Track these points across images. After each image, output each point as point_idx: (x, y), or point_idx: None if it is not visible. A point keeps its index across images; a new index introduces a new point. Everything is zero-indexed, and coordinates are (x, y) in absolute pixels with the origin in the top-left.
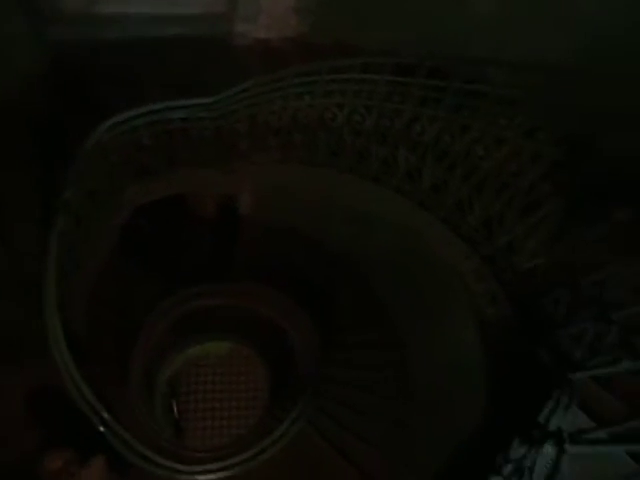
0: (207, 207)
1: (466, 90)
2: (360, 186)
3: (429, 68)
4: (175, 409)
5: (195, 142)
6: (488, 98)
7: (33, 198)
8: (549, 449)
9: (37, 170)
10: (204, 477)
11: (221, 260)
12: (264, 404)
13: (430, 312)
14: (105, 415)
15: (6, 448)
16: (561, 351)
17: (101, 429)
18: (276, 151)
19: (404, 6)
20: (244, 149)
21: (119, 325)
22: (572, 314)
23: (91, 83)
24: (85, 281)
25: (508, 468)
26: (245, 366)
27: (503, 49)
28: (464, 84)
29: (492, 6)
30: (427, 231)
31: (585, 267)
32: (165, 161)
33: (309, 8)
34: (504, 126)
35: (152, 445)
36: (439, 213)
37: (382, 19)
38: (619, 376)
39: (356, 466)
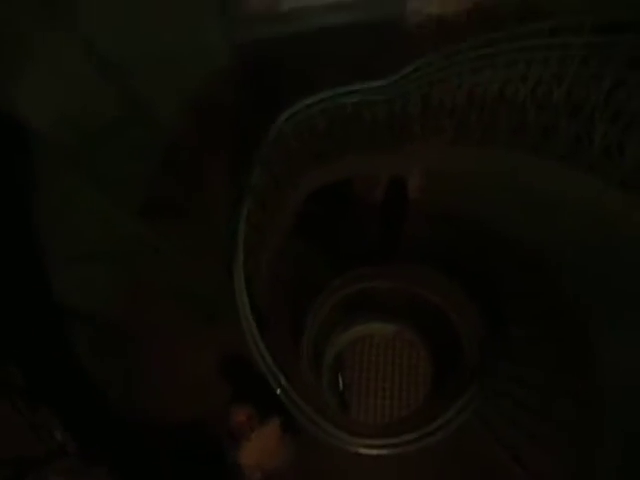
0: (375, 190)
1: None
2: (544, 167)
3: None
4: (341, 382)
5: (368, 126)
6: None
7: (229, 181)
8: None
9: (229, 156)
10: (366, 450)
11: (388, 243)
12: (427, 389)
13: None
14: (282, 380)
15: (199, 401)
16: None
17: (278, 392)
18: (450, 132)
19: None
20: (417, 131)
21: (293, 301)
22: None
23: (272, 75)
24: (267, 260)
25: None
26: (409, 349)
27: None
28: None
29: None
30: (626, 216)
31: None
32: (338, 146)
33: None
34: None
35: (320, 413)
36: None
37: None
38: None
39: (523, 467)
